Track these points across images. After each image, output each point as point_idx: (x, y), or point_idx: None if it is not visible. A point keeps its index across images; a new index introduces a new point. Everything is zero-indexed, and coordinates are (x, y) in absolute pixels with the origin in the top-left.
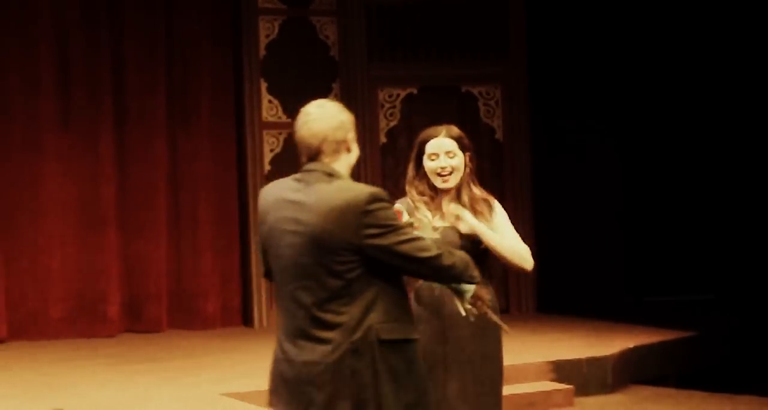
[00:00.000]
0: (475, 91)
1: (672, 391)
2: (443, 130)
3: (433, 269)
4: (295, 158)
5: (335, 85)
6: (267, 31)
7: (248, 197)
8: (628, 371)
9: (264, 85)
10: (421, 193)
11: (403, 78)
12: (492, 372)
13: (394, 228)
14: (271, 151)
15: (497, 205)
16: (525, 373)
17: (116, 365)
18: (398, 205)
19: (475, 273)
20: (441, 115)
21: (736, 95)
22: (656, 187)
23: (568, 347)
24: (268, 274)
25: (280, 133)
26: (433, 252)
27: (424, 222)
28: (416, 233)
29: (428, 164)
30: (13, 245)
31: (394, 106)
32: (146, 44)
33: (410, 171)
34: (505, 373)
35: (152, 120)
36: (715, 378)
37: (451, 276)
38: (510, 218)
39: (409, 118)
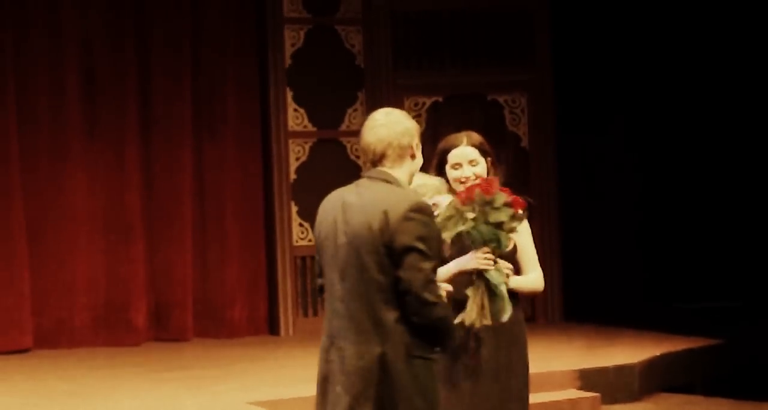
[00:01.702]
0: (500, 99)
1: (699, 399)
2: (464, 138)
3: (420, 309)
4: (321, 167)
5: (361, 94)
6: (293, 39)
7: (274, 205)
8: (655, 379)
9: (290, 94)
10: None
11: (428, 86)
12: (517, 382)
13: (422, 249)
14: (297, 159)
15: (524, 223)
16: (551, 381)
17: (142, 374)
18: (438, 198)
19: (450, 344)
20: (467, 123)
21: (759, 101)
22: (682, 193)
23: (595, 355)
24: (320, 290)
25: (306, 142)
26: (434, 299)
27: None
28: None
29: (451, 173)
30: (39, 253)
31: (419, 115)
32: (172, 52)
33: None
34: (532, 381)
35: (178, 128)
36: (742, 386)
37: (430, 328)
38: (536, 226)
39: (435, 126)
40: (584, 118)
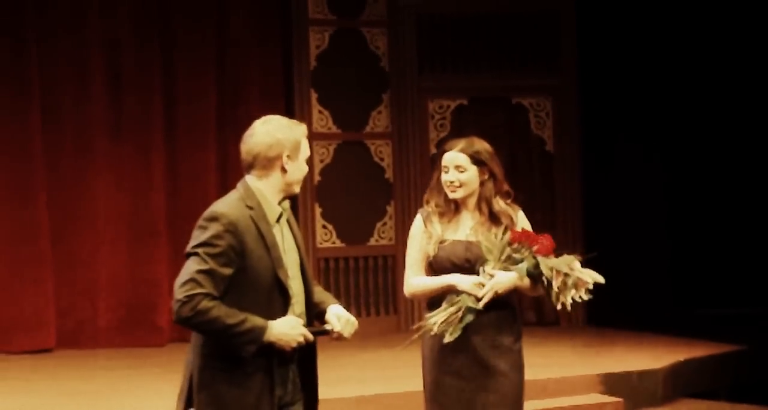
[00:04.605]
0: (525, 102)
1: (723, 405)
2: (460, 144)
3: (179, 302)
4: (345, 168)
5: (385, 96)
6: (317, 41)
7: (298, 208)
8: (679, 384)
9: (314, 96)
10: (436, 205)
11: (453, 89)
12: (509, 388)
13: (197, 244)
14: (321, 161)
15: (521, 217)
16: (574, 386)
17: (165, 374)
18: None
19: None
20: (491, 126)
21: None
22: (706, 198)
23: (618, 360)
24: None
25: (330, 144)
26: (194, 291)
27: (433, 237)
28: (218, 270)
29: (442, 176)
30: (63, 254)
31: (444, 117)
32: (197, 54)
33: (432, 181)
34: (555, 386)
35: (203, 129)
36: (766, 392)
37: (181, 315)
38: (561, 230)
39: (459, 129)
40: (610, 121)
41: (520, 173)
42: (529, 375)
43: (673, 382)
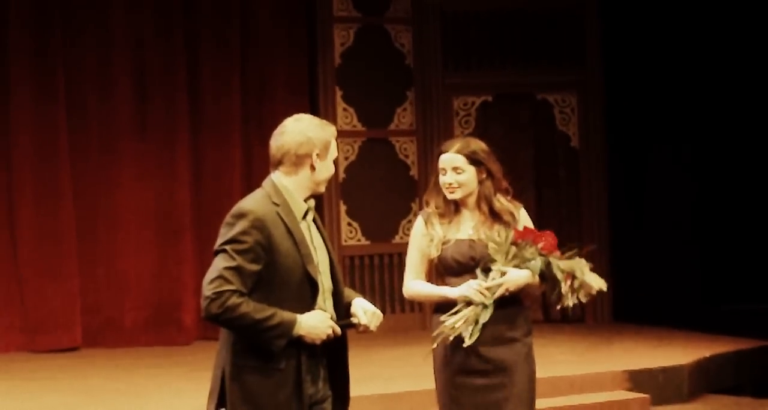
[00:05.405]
0: (550, 98)
1: (748, 401)
2: (455, 145)
3: (208, 299)
4: (370, 166)
5: (410, 93)
6: (342, 39)
7: (323, 205)
8: (705, 380)
9: (339, 93)
10: (436, 206)
11: (478, 86)
12: (522, 383)
13: (224, 242)
14: (346, 159)
15: (522, 215)
16: (601, 382)
17: (191, 373)
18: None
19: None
20: (516, 122)
21: None
22: (735, 193)
23: (644, 356)
24: None
25: (355, 141)
26: (222, 288)
27: (435, 239)
28: (246, 266)
29: (440, 178)
30: (90, 251)
31: (469, 114)
32: (221, 51)
33: (431, 183)
34: (581, 382)
35: (227, 127)
36: None
37: (210, 311)
38: (586, 226)
39: (484, 125)
40: (636, 116)
41: (545, 169)
42: (555, 371)
43: (699, 378)
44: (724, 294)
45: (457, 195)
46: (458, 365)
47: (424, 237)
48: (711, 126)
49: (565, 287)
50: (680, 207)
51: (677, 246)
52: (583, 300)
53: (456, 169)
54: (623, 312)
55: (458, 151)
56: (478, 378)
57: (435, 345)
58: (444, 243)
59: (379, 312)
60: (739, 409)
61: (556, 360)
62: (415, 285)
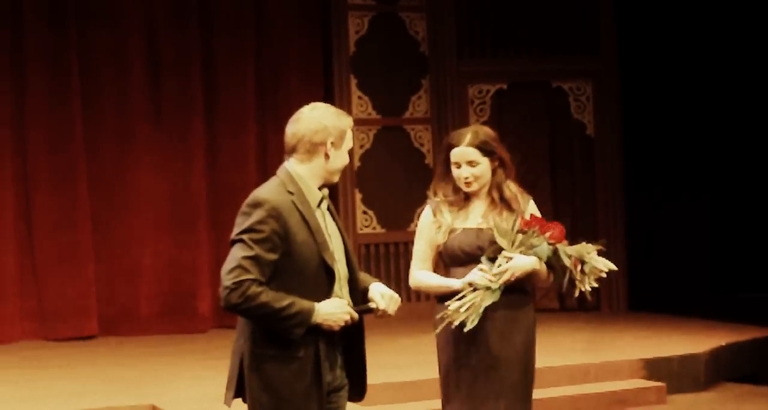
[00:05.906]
0: (565, 86)
1: (764, 389)
2: (467, 137)
3: (227, 289)
4: (385, 154)
5: (425, 81)
6: (356, 27)
7: (338, 194)
8: (721, 369)
9: (354, 82)
10: (445, 196)
11: (492, 74)
12: (517, 376)
13: (241, 231)
14: (361, 147)
15: (531, 207)
16: (617, 371)
17: (207, 360)
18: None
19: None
20: (531, 111)
21: None
22: (748, 181)
23: (660, 345)
24: None
25: (370, 130)
26: (242, 277)
27: (443, 226)
28: (263, 255)
29: (453, 171)
30: (105, 240)
31: (484, 102)
32: (236, 40)
33: (438, 172)
34: (597, 371)
35: (242, 115)
36: None
37: (230, 301)
38: (601, 214)
39: (499, 113)
40: (651, 104)
41: (560, 158)
42: (571, 359)
43: (715, 366)
44: (740, 283)
45: (474, 187)
46: (460, 350)
47: (432, 225)
48: (728, 111)
49: (576, 272)
50: (694, 195)
51: (692, 234)
52: (594, 284)
53: (471, 162)
54: (639, 300)
55: (470, 144)
56: (479, 363)
57: (438, 330)
58: (451, 232)
59: (396, 295)
60: (755, 397)
61: (571, 348)
62: (422, 275)
